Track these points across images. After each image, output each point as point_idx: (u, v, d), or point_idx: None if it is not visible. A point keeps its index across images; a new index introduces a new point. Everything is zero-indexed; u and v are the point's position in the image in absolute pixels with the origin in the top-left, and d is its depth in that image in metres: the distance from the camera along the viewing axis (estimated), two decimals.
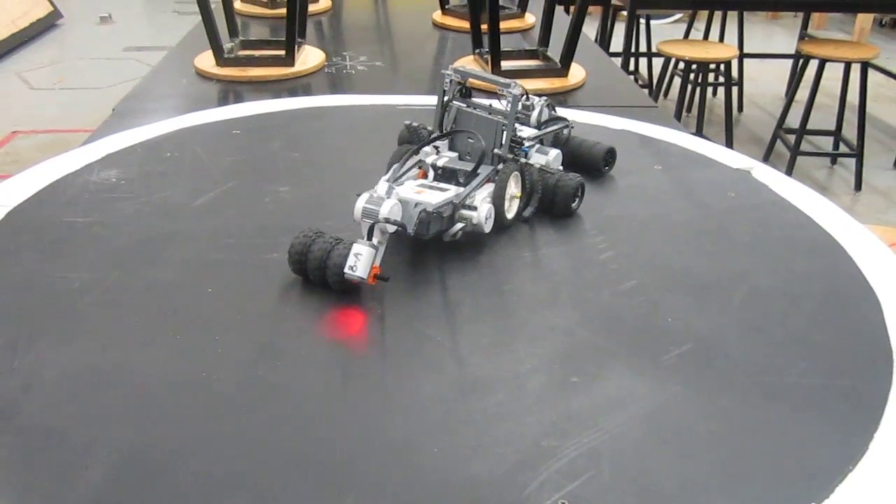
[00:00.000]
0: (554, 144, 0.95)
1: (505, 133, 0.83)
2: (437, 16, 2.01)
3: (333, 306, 0.70)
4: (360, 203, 0.71)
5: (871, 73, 3.41)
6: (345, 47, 1.75)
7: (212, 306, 0.70)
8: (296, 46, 1.54)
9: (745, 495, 0.52)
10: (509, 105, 0.83)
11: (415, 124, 0.90)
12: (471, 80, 0.88)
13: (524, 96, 0.90)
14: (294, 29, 1.52)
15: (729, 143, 3.38)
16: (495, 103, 0.88)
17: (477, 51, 1.61)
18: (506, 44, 1.53)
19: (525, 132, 0.90)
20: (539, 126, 0.93)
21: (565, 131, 0.96)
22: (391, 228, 0.71)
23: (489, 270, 0.77)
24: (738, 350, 0.66)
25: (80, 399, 0.58)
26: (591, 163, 0.97)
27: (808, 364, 0.64)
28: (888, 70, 3.98)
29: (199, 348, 0.64)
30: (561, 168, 0.91)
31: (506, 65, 1.49)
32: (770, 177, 0.97)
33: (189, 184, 0.92)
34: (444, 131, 0.87)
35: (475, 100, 0.89)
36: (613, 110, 1.23)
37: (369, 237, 0.69)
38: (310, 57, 1.60)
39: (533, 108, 0.93)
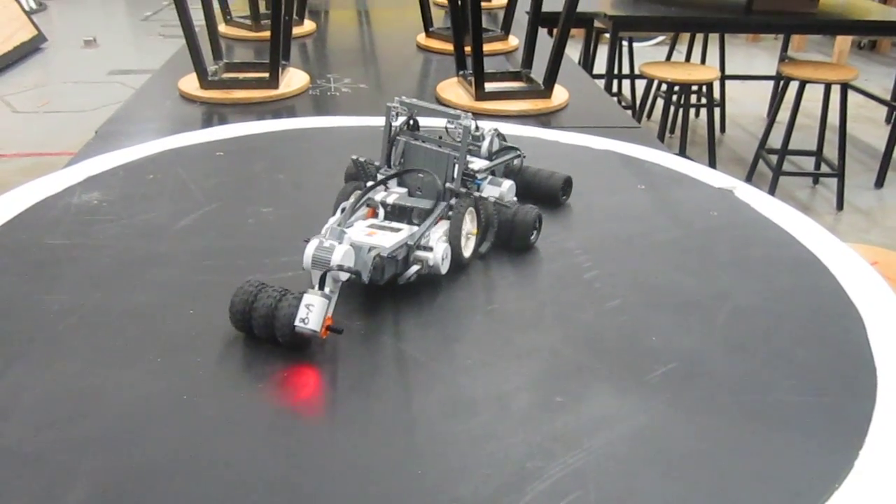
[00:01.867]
0: (506, 175, 0.92)
1: (457, 166, 0.79)
2: (422, 38, 2.02)
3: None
4: (310, 250, 0.66)
5: (851, 94, 3.46)
6: (329, 69, 1.76)
7: (194, 329, 0.69)
8: (280, 69, 1.54)
9: None
10: (460, 137, 0.80)
11: (362, 159, 0.84)
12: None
13: (473, 126, 0.85)
14: (278, 51, 1.52)
15: (712, 164, 3.41)
16: (445, 134, 0.85)
17: (461, 73, 1.62)
18: (489, 65, 1.53)
19: (476, 164, 0.87)
20: (490, 157, 0.89)
21: (516, 161, 0.93)
22: (344, 276, 0.66)
23: (470, 288, 0.76)
24: (722, 368, 0.66)
25: (60, 423, 0.57)
26: (549, 193, 0.94)
27: (791, 382, 0.64)
28: (867, 91, 4.04)
29: (181, 371, 0.63)
30: (515, 199, 0.88)
31: (489, 86, 1.50)
32: (752, 196, 0.98)
33: (171, 206, 0.92)
34: (392, 166, 0.83)
35: (423, 133, 0.84)
36: (597, 131, 1.24)
37: (321, 286, 0.65)
38: (294, 79, 1.60)
39: (483, 139, 0.89)
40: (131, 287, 0.75)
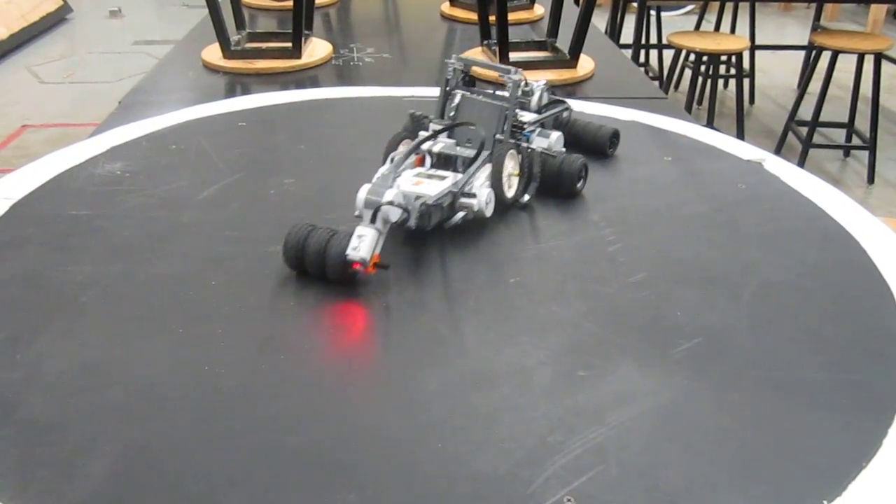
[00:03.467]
0: (555, 127, 0.96)
1: (507, 118, 0.84)
2: (446, 7, 2.00)
3: (335, 300, 0.69)
4: (362, 193, 0.70)
5: (885, 64, 3.38)
6: (352, 39, 1.74)
7: (215, 299, 0.69)
8: (303, 38, 1.53)
9: (756, 492, 0.51)
10: (510, 91, 0.84)
11: (417, 113, 0.90)
12: (473, 68, 0.88)
13: (524, 82, 0.91)
14: (301, 21, 1.51)
15: (740, 136, 3.35)
16: (498, 91, 0.89)
17: (485, 42, 1.60)
18: (514, 35, 1.51)
19: (526, 117, 0.91)
20: (539, 110, 0.94)
21: (565, 114, 0.98)
22: (395, 213, 0.70)
23: (493, 261, 0.76)
24: (748, 344, 0.65)
25: (82, 393, 0.58)
26: (597, 145, 0.98)
27: (819, 359, 0.63)
28: None
29: (203, 342, 0.63)
30: (563, 150, 0.92)
31: (514, 56, 1.48)
32: (782, 169, 0.96)
33: (194, 176, 0.92)
34: (446, 119, 0.87)
35: (478, 88, 0.90)
36: (623, 102, 1.22)
37: (373, 221, 0.69)
38: (317, 49, 1.59)
39: (532, 93, 0.94)
40: (154, 257, 0.75)
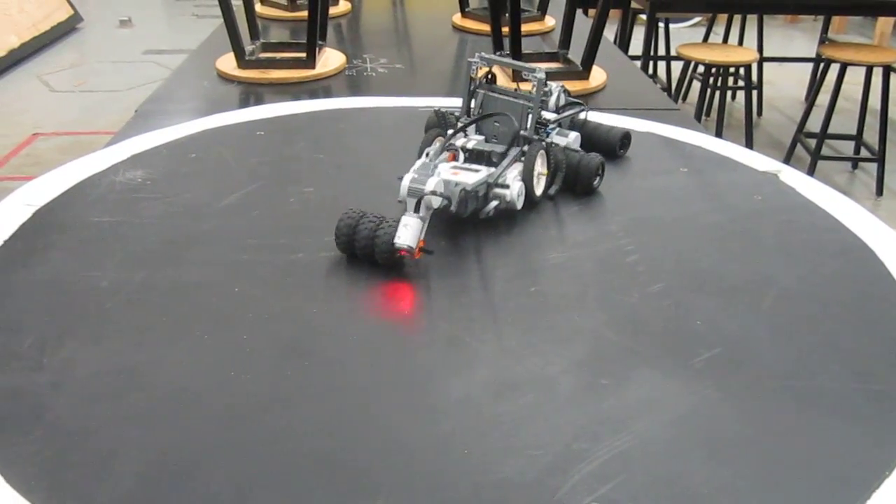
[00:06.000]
0: (570, 128, 0.99)
1: (531, 115, 0.88)
2: (457, 18, 2.01)
3: (360, 308, 0.70)
4: (406, 182, 0.74)
5: (893, 76, 3.38)
6: (365, 50, 1.75)
7: (239, 306, 0.70)
8: (317, 49, 1.54)
9: (780, 501, 0.51)
10: (534, 89, 0.87)
11: (443, 110, 0.94)
12: (496, 66, 0.92)
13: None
14: (315, 31, 1.52)
15: (749, 147, 3.35)
16: (519, 89, 0.92)
17: (497, 53, 1.61)
18: (526, 46, 1.52)
19: (547, 116, 0.93)
20: (557, 110, 0.97)
21: (582, 115, 1.01)
22: (437, 201, 0.74)
23: (513, 270, 0.76)
24: (768, 354, 0.65)
25: (109, 398, 0.58)
26: (608, 146, 1.01)
27: (839, 368, 0.64)
28: None
29: (227, 348, 0.64)
30: (580, 150, 0.95)
31: None
32: (797, 180, 0.96)
33: (214, 184, 0.92)
34: (471, 115, 0.91)
35: (500, 86, 0.93)
36: (635, 113, 1.23)
37: (416, 210, 0.73)
38: (330, 59, 1.60)
39: (551, 94, 0.97)
40: (176, 264, 0.76)
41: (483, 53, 0.91)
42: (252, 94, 1.45)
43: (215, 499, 0.50)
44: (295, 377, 0.61)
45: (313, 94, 1.45)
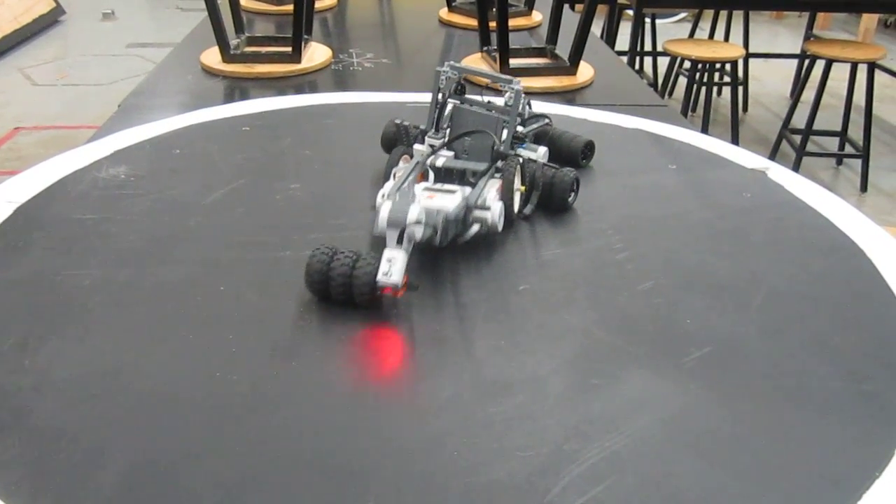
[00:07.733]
0: (534, 140, 0.94)
1: (506, 130, 0.82)
2: (444, 13, 2.00)
3: (347, 308, 0.69)
4: (384, 212, 0.67)
5: (878, 73, 3.40)
6: (351, 44, 1.74)
7: (224, 305, 0.69)
8: (302, 43, 1.53)
9: (770, 500, 0.51)
10: (511, 101, 0.82)
11: (405, 123, 0.87)
12: (468, 76, 0.85)
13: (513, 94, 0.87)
14: (301, 25, 1.51)
15: (735, 143, 3.36)
16: (489, 100, 0.87)
17: (485, 48, 1.60)
18: (513, 41, 1.51)
19: (519, 129, 0.89)
20: (524, 123, 0.91)
21: (546, 128, 0.96)
22: (419, 231, 0.67)
23: (502, 270, 0.76)
24: (758, 353, 0.65)
25: (93, 399, 0.57)
26: (570, 154, 0.97)
27: (829, 367, 0.63)
28: (894, 71, 3.96)
29: (212, 347, 0.63)
30: (553, 164, 0.90)
31: (514, 62, 1.48)
32: (785, 177, 0.96)
33: (199, 181, 0.91)
34: (440, 130, 0.84)
35: (470, 97, 0.87)
36: (623, 109, 1.22)
37: (399, 243, 0.66)
38: (316, 53, 1.59)
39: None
40: (161, 262, 0.74)
41: (452, 62, 0.85)
42: (237, 88, 1.44)
43: (201, 501, 0.49)
44: (282, 377, 0.60)
45: (299, 89, 1.44)
